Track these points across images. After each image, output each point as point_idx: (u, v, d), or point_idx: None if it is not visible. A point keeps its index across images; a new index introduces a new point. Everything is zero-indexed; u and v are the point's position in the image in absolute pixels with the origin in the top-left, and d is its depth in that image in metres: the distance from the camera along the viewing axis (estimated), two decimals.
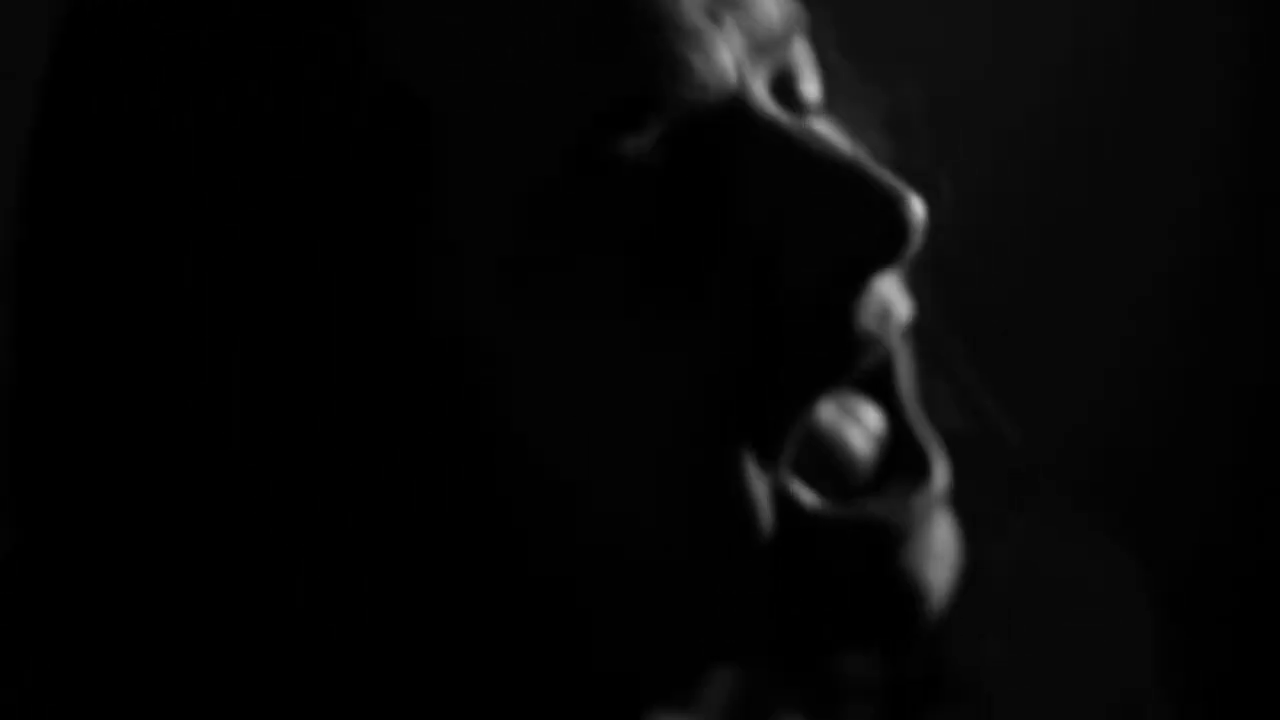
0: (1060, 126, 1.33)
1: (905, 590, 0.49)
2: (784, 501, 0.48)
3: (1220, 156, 1.35)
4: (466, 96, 0.45)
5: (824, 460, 0.50)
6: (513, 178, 0.45)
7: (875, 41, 1.20)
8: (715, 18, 0.46)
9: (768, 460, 0.47)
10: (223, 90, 0.45)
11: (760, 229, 0.47)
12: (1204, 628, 1.41)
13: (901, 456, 0.51)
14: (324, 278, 0.45)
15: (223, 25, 0.45)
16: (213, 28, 0.45)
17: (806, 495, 0.48)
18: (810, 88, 0.52)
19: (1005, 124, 1.29)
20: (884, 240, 0.46)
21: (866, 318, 0.47)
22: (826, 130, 0.52)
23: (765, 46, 0.48)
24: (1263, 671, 1.38)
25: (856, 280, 0.47)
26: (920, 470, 0.51)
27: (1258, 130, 1.35)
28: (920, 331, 0.54)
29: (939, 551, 0.50)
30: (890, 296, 0.49)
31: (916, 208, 0.46)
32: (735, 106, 0.47)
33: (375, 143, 0.45)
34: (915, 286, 0.54)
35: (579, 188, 0.45)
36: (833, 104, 0.55)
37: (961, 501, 0.54)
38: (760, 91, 0.48)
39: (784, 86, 0.50)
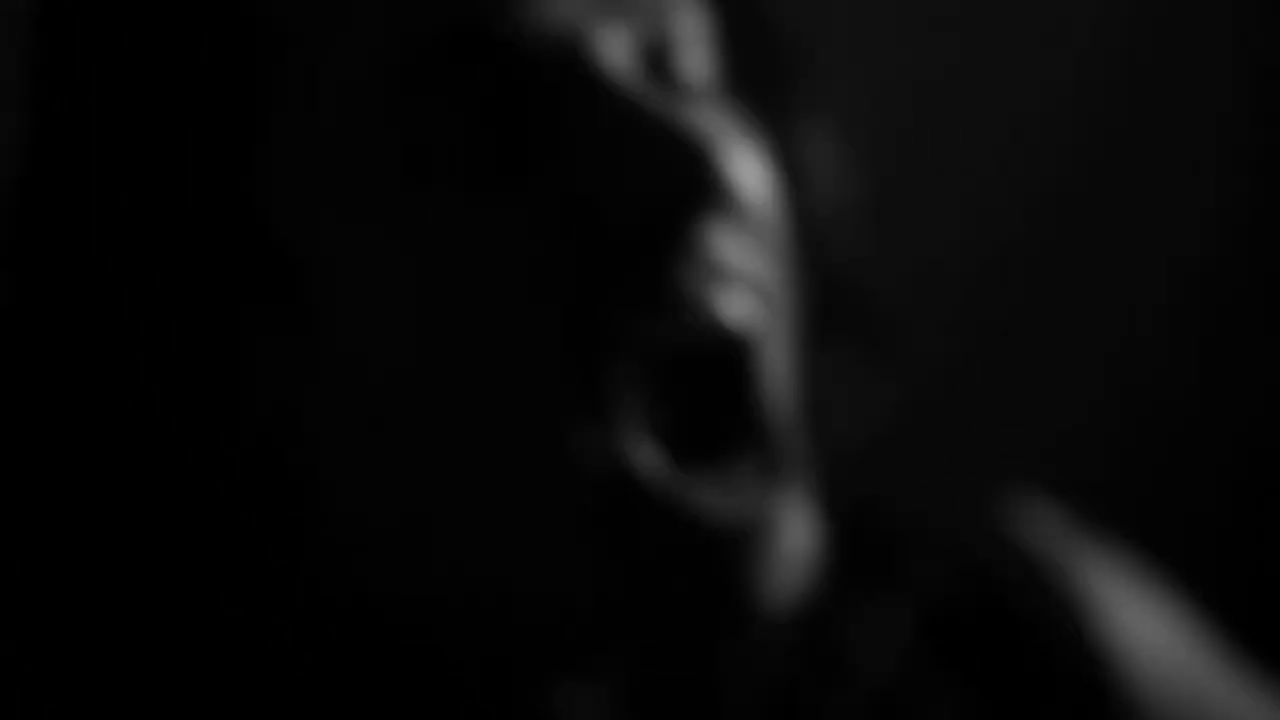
0: (1069, 128, 1.33)
1: (735, 596, 0.47)
2: (615, 461, 0.46)
3: (1233, 158, 1.35)
4: (304, 11, 0.48)
5: (673, 418, 0.47)
6: (341, 93, 0.47)
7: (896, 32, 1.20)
8: None
9: (599, 411, 0.46)
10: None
11: (580, 178, 0.47)
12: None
13: (756, 439, 0.49)
14: (160, 175, 0.48)
15: None
16: None
17: (645, 459, 0.46)
18: (690, 62, 0.51)
19: (1009, 125, 1.30)
20: (690, 191, 0.46)
21: (687, 276, 0.47)
22: (700, 107, 0.50)
23: (623, 7, 0.49)
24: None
25: (666, 232, 0.47)
26: (773, 464, 0.48)
27: (1271, 133, 1.35)
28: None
29: (786, 554, 0.47)
30: (739, 264, 0.48)
31: (733, 165, 0.46)
32: (570, 56, 0.48)
33: (213, 50, 0.48)
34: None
35: (404, 107, 0.46)
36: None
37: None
38: (604, 47, 0.48)
39: (656, 56, 0.50)
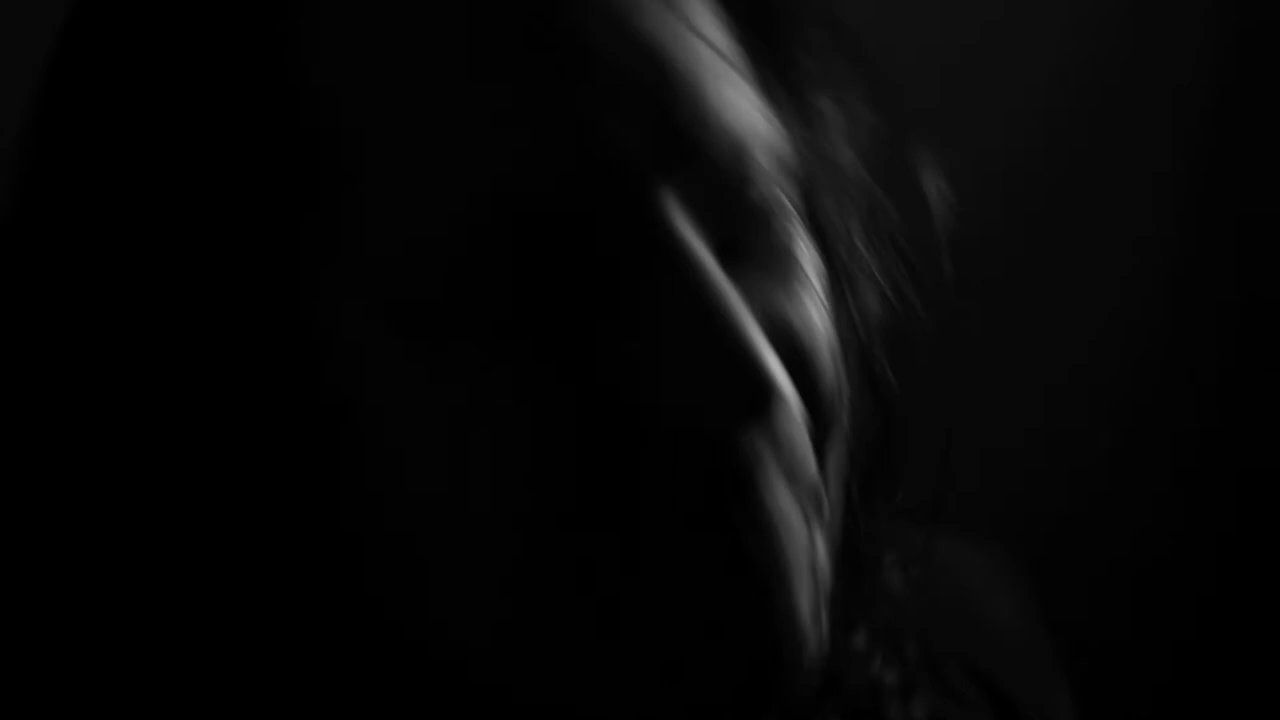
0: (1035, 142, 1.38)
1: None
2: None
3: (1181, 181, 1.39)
4: (386, 132, 0.47)
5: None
6: (405, 222, 0.46)
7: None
8: (632, 122, 0.47)
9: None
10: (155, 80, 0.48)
11: (628, 355, 0.46)
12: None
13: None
14: (202, 262, 0.47)
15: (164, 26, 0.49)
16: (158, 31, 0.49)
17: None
18: (756, 240, 0.50)
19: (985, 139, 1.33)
20: (730, 410, 0.45)
21: (713, 473, 0.46)
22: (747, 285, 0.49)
23: (697, 171, 0.48)
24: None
25: (698, 438, 0.46)
26: None
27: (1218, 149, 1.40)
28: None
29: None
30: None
31: (771, 387, 0.45)
32: (639, 213, 0.47)
33: (271, 153, 0.47)
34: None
35: (464, 246, 0.46)
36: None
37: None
38: (673, 210, 0.47)
39: (725, 226, 0.49)
